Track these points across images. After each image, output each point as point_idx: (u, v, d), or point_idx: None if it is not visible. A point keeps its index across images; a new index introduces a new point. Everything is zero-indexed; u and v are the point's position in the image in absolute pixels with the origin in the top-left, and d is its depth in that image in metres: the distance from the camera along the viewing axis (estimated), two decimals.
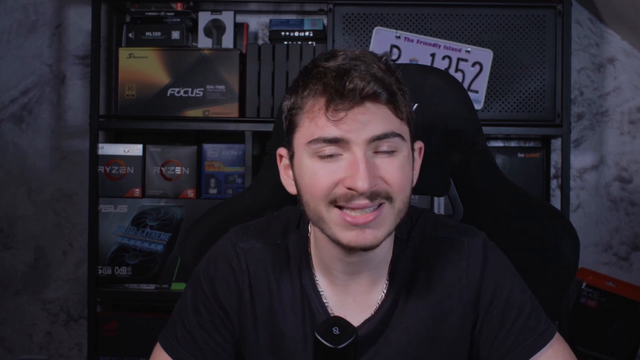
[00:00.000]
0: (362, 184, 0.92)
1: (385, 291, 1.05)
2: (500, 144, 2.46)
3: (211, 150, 2.27)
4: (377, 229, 0.95)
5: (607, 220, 2.46)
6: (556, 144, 2.40)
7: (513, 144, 2.47)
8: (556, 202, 2.39)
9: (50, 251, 2.48)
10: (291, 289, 1.06)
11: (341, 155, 0.94)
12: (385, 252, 1.04)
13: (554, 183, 2.43)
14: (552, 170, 2.42)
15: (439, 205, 2.23)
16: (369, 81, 0.92)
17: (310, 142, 0.95)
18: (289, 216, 1.11)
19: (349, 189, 0.93)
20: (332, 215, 0.95)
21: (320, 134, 0.94)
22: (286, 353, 1.05)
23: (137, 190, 2.23)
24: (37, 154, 2.48)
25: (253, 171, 2.19)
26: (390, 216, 0.96)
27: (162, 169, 2.24)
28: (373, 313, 1.04)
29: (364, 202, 0.93)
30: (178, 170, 2.25)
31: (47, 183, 2.48)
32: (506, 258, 1.07)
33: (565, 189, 2.18)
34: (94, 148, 2.20)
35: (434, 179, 1.25)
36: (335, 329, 0.89)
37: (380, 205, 0.95)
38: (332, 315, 1.04)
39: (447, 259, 1.04)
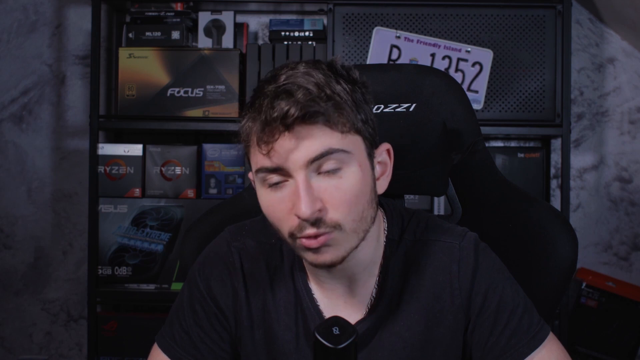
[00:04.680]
0: (304, 210, 0.90)
1: (375, 294, 1.04)
2: (500, 144, 2.46)
3: (211, 150, 2.27)
4: (334, 248, 0.94)
5: (607, 220, 2.46)
6: (556, 144, 2.40)
7: (513, 144, 2.47)
8: (556, 202, 2.39)
9: (50, 251, 2.48)
10: (284, 289, 1.06)
11: (287, 181, 0.93)
12: (368, 255, 1.03)
13: (554, 183, 2.43)
14: (552, 170, 2.42)
15: (439, 205, 2.23)
16: (291, 105, 0.89)
17: (257, 171, 0.95)
18: None
19: (297, 216, 0.92)
20: (295, 243, 0.95)
21: (261, 164, 0.93)
22: (280, 353, 1.05)
23: (137, 190, 2.23)
24: (37, 154, 2.48)
25: None
26: (343, 238, 0.94)
27: (162, 169, 2.24)
28: (365, 315, 1.04)
29: (312, 231, 0.92)
30: (178, 170, 2.25)
31: (47, 183, 2.48)
32: (498, 259, 1.06)
33: (565, 189, 2.18)
34: (94, 148, 2.20)
35: (432, 179, 1.25)
36: (335, 329, 0.89)
37: (327, 232, 0.93)
38: (324, 316, 1.04)
39: (439, 261, 1.04)
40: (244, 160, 2.21)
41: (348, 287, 1.04)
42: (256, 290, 1.06)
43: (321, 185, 0.92)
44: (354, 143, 0.94)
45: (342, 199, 0.92)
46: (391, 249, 1.05)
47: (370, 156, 0.98)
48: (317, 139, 0.91)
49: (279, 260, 1.07)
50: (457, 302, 1.02)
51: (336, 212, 0.92)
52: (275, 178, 0.93)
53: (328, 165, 0.92)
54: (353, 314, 1.04)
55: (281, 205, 0.93)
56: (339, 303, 1.05)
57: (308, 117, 0.89)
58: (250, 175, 1.01)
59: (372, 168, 0.98)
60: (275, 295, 1.06)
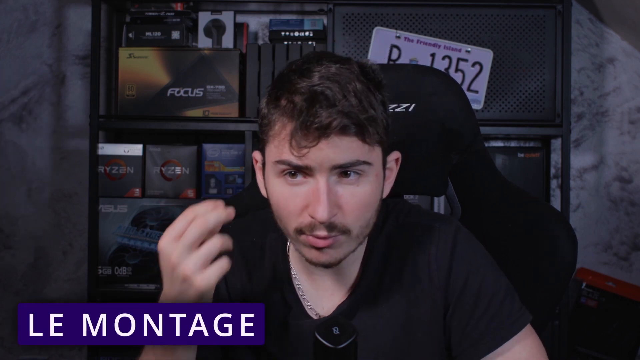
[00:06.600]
0: (321, 214, 0.92)
1: (357, 278, 1.07)
2: (500, 144, 2.46)
3: (211, 150, 2.27)
4: (335, 250, 0.97)
5: (607, 220, 2.46)
6: (556, 144, 2.40)
7: (513, 144, 2.47)
8: (556, 202, 2.39)
9: (50, 251, 2.48)
10: (265, 285, 1.09)
11: (306, 180, 0.95)
12: (358, 250, 1.05)
13: (554, 183, 2.43)
14: (552, 170, 2.42)
15: (439, 205, 2.23)
16: (334, 117, 0.90)
17: (277, 162, 0.95)
18: (269, 215, 1.14)
19: (312, 217, 0.94)
20: (299, 238, 0.97)
21: (286, 158, 0.94)
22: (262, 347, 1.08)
23: (137, 190, 2.23)
24: (37, 154, 2.48)
25: (253, 171, 2.18)
26: (347, 242, 0.97)
27: (162, 169, 2.25)
28: (345, 297, 1.06)
29: (323, 233, 0.94)
30: (178, 170, 2.25)
31: (47, 183, 2.48)
32: (481, 245, 1.07)
33: (565, 189, 2.18)
34: (94, 148, 2.20)
35: (432, 179, 1.25)
36: (335, 329, 0.89)
37: (336, 235, 0.96)
38: (305, 310, 1.07)
39: (418, 243, 1.06)
40: (244, 160, 2.21)
41: (336, 279, 1.06)
42: (235, 284, 1.09)
43: (339, 190, 0.95)
44: (376, 154, 0.97)
45: (356, 206, 0.95)
46: (374, 236, 1.07)
47: (384, 165, 1.01)
48: (348, 149, 0.93)
49: (259, 258, 1.10)
50: (435, 282, 1.04)
51: (348, 218, 0.95)
52: (294, 172, 0.95)
53: (349, 173, 0.94)
54: (336, 301, 1.06)
55: (296, 200, 0.95)
56: (326, 295, 1.07)
57: (349, 130, 0.92)
58: (256, 154, 1.03)
59: (384, 176, 1.01)
60: (255, 291, 1.09)
